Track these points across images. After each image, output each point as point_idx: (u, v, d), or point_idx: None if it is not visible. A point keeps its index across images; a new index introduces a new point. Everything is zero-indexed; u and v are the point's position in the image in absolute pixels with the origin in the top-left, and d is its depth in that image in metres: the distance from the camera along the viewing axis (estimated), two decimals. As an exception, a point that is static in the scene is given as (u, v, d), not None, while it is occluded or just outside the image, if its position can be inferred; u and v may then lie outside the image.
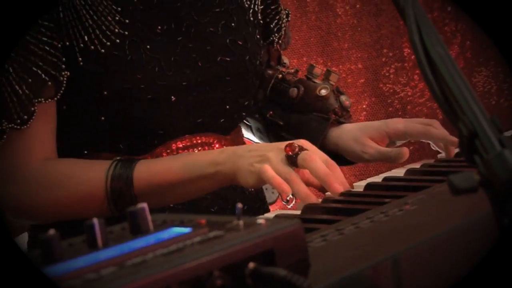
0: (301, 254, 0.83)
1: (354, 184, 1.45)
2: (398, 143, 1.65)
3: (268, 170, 1.36)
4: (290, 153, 1.37)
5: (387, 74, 3.07)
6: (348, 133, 1.64)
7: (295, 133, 1.68)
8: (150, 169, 1.48)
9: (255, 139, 1.80)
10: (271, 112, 1.76)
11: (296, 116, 1.72)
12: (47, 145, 1.51)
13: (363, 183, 1.44)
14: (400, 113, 3.05)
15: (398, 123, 1.62)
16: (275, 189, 1.38)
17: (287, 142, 1.40)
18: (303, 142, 1.40)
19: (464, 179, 0.83)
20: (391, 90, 3.08)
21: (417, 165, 1.54)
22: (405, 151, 1.55)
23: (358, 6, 3.02)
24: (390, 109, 3.05)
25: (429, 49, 0.91)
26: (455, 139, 1.56)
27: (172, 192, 1.48)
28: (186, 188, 1.47)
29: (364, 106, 3.05)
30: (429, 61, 0.91)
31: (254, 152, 1.41)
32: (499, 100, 3.09)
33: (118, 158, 1.50)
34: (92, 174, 1.49)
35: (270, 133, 1.77)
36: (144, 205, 0.85)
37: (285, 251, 0.82)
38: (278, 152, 1.38)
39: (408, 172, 1.50)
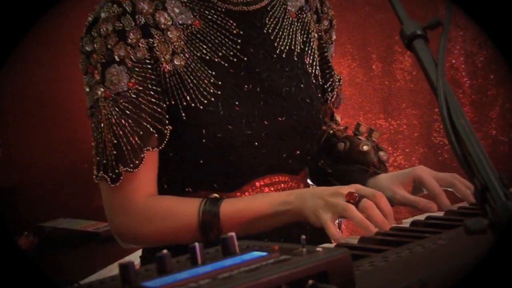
0: (348, 275, 0.89)
1: (403, 220, 1.47)
2: (425, 191, 1.63)
3: (355, 212, 1.37)
4: (352, 201, 1.41)
5: (437, 129, 3.05)
6: (382, 182, 1.64)
7: (340, 180, 1.71)
8: (233, 207, 1.52)
9: (309, 181, 1.81)
10: (322, 161, 1.78)
11: (342, 166, 1.74)
12: (151, 184, 1.56)
13: (410, 219, 1.45)
14: (448, 162, 3.01)
15: (423, 173, 1.59)
16: (360, 226, 1.39)
17: (345, 189, 1.43)
18: (358, 187, 1.44)
19: (475, 223, 0.88)
20: (441, 142, 3.05)
21: (454, 207, 1.54)
22: (434, 206, 1.53)
23: (414, 72, 3.02)
24: (440, 158, 3.03)
25: (454, 120, 0.97)
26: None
27: (251, 225, 1.52)
28: (263, 222, 1.52)
29: (418, 155, 3.04)
30: (454, 130, 0.96)
31: (317, 200, 1.44)
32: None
33: (208, 197, 1.55)
34: (187, 209, 1.53)
35: (321, 178, 1.78)
36: (233, 234, 0.92)
37: (336, 272, 0.87)
38: (340, 198, 1.42)
39: (447, 213, 1.50)
